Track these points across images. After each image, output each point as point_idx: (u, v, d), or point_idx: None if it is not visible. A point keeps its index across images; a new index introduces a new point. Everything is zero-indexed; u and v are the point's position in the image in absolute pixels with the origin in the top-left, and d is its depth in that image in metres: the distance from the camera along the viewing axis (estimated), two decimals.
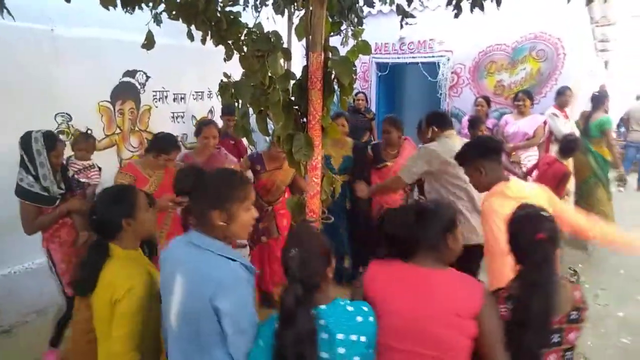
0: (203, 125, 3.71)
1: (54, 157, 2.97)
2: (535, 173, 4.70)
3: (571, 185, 4.93)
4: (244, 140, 4.49)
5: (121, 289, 1.71)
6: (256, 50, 2.15)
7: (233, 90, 2.23)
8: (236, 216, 1.63)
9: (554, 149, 5.15)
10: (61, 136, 3.81)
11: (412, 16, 3.81)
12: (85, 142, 3.61)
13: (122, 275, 1.76)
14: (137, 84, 4.56)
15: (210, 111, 5.49)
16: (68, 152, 3.49)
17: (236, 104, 2.29)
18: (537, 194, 2.35)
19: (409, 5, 3.77)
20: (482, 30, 6.01)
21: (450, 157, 2.76)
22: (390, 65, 7.15)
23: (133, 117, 4.56)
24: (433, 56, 6.66)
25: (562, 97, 5.23)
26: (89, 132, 3.94)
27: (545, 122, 5.14)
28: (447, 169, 3.02)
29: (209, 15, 2.27)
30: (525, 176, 4.77)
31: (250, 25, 2.30)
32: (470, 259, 2.39)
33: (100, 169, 3.66)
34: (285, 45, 2.26)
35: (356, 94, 6.54)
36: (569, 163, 4.65)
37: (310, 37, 2.14)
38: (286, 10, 4.05)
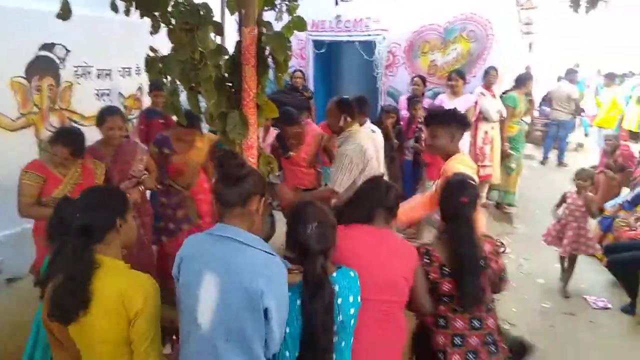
0: (107, 114, 3.23)
1: None
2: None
3: None
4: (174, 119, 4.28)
5: (139, 298, 1.54)
6: (184, 23, 2.04)
7: (161, 65, 2.12)
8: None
9: (482, 127, 5.43)
10: None
11: None
12: None
13: (132, 284, 1.57)
14: (56, 58, 4.18)
15: (139, 88, 5.18)
16: None
17: (165, 80, 2.18)
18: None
19: None
20: (416, 10, 6.10)
21: (362, 160, 2.95)
22: (327, 43, 7.09)
23: (52, 94, 4.19)
24: (369, 35, 6.67)
25: (488, 77, 5.51)
26: None
27: (476, 102, 5.34)
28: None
29: None
30: None
31: None
32: None
33: None
34: (217, 19, 2.17)
35: (294, 72, 6.45)
36: None
37: (243, 10, 2.08)
38: None
